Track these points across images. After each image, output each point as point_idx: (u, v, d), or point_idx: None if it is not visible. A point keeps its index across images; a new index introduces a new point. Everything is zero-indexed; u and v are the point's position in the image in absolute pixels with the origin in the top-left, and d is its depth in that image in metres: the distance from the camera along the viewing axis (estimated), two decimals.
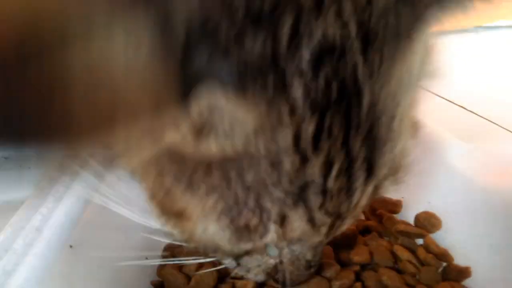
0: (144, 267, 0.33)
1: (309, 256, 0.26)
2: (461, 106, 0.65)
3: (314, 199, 0.19)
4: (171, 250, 0.35)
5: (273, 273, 0.27)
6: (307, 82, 0.16)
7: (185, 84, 0.15)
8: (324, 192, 0.19)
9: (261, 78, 0.16)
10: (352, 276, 0.29)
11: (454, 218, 0.30)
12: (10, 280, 0.22)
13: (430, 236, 0.30)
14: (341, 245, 0.32)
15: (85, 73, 0.13)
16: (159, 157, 0.19)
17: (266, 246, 0.24)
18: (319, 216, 0.20)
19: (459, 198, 0.30)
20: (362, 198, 0.21)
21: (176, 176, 0.20)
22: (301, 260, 0.26)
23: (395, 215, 0.35)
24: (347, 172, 0.19)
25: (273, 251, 0.26)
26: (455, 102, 0.66)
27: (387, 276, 0.28)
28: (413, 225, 0.33)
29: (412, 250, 0.30)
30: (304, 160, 0.18)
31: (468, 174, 0.30)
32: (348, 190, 0.20)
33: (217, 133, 0.17)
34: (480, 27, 1.15)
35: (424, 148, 0.35)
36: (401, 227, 0.32)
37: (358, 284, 0.29)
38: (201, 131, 0.17)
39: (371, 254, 0.31)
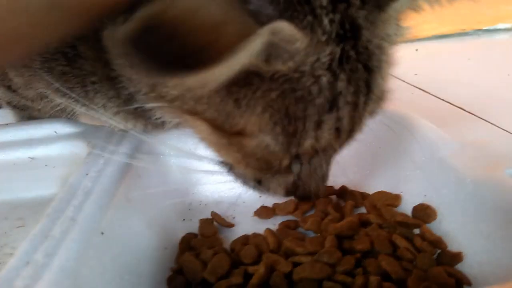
0: (164, 255, 0.36)
1: (324, 169, 0.32)
2: (461, 108, 0.67)
3: (342, 107, 0.27)
4: (187, 242, 0.38)
5: (291, 188, 0.33)
6: (329, 13, 0.24)
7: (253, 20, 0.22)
8: (347, 103, 0.27)
9: (301, 11, 0.23)
10: (353, 262, 0.31)
11: (447, 209, 0.33)
12: (52, 261, 0.25)
13: (425, 226, 0.33)
14: (344, 236, 0.35)
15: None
16: (225, 86, 0.25)
17: (292, 162, 0.31)
18: (344, 122, 0.28)
19: (452, 191, 0.33)
20: (364, 113, 0.29)
21: (237, 100, 0.26)
22: (317, 173, 0.32)
23: (394, 208, 0.38)
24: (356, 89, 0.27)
25: (296, 167, 0.32)
26: (460, 106, 0.68)
27: (386, 262, 0.31)
28: (411, 216, 0.36)
29: (410, 239, 0.33)
30: (334, 76, 0.26)
31: (460, 169, 0.33)
32: (356, 105, 0.27)
33: (280, 55, 0.24)
34: (480, 30, 1.18)
35: (420, 145, 0.38)
36: (400, 218, 0.35)
37: (360, 270, 0.32)
38: (270, 54, 0.23)
39: (371, 243, 0.34)
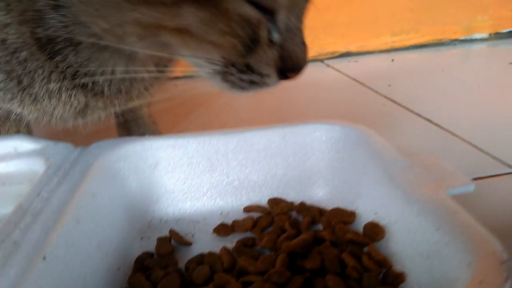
0: (116, 276, 0.36)
1: (300, 33, 0.35)
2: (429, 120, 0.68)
3: None
4: (141, 262, 0.37)
5: (280, 64, 0.35)
6: None
7: None
8: None
9: None
10: (301, 281, 0.32)
11: (395, 228, 0.34)
12: None
13: (373, 245, 0.34)
14: (297, 254, 0.36)
15: None
16: None
17: (269, 32, 0.33)
18: None
19: (399, 210, 0.33)
20: None
21: None
22: (297, 38, 0.34)
23: (348, 225, 0.38)
24: None
25: (276, 35, 0.34)
26: (427, 118, 0.69)
27: (333, 282, 0.31)
28: (363, 233, 0.36)
29: (358, 257, 0.34)
30: None
31: (406, 188, 0.33)
32: None
33: None
34: (457, 40, 1.20)
35: (373, 163, 0.38)
36: (350, 236, 0.35)
37: None
38: None
39: (322, 261, 0.34)
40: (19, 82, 0.39)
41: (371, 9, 1.13)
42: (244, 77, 0.35)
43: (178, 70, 0.50)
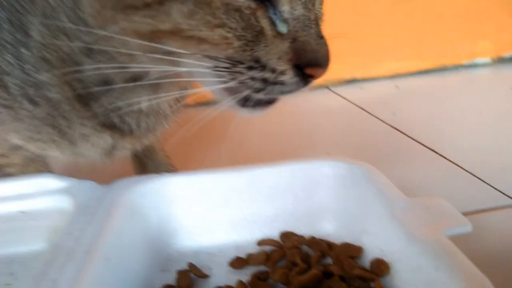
0: None
1: (311, 15, 0.33)
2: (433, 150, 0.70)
3: None
4: None
5: (294, 56, 0.32)
6: None
7: None
8: None
9: None
10: None
11: (398, 265, 0.36)
12: None
13: (378, 280, 0.36)
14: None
15: None
16: None
17: (275, 24, 0.32)
18: None
19: (402, 248, 0.36)
20: None
21: None
22: (307, 24, 0.33)
23: (356, 260, 0.41)
24: None
25: (282, 26, 0.32)
26: (432, 148, 0.72)
27: None
28: (369, 269, 0.39)
29: None
30: None
31: (408, 227, 0.36)
32: None
33: None
34: (461, 65, 1.23)
35: (378, 201, 0.41)
36: (357, 271, 0.38)
37: None
38: None
39: None
40: (60, 131, 0.43)
41: (375, 37, 1.17)
42: (256, 74, 0.32)
43: (190, 99, 0.52)
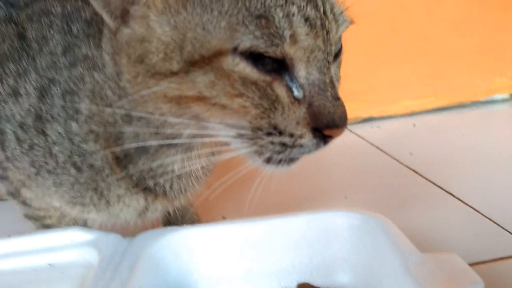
0: None
1: (327, 79, 0.34)
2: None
3: None
4: None
5: (311, 120, 0.34)
6: None
7: None
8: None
9: None
10: None
11: None
12: None
13: None
14: None
15: None
16: None
17: (291, 90, 0.34)
18: (309, 12, 0.33)
19: None
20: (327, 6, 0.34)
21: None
22: (324, 88, 0.34)
23: None
24: None
25: (298, 92, 0.34)
26: (450, 192, 0.71)
27: None
28: None
29: None
30: None
31: (421, 283, 0.36)
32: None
33: None
34: (478, 102, 1.23)
35: (392, 254, 0.42)
36: None
37: None
38: None
39: None
40: (99, 193, 0.46)
41: (390, 75, 1.18)
42: (274, 139, 0.34)
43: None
